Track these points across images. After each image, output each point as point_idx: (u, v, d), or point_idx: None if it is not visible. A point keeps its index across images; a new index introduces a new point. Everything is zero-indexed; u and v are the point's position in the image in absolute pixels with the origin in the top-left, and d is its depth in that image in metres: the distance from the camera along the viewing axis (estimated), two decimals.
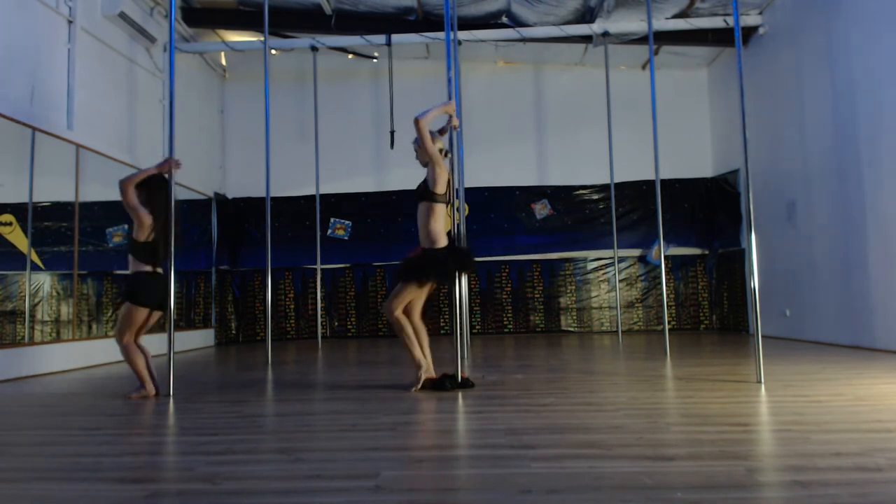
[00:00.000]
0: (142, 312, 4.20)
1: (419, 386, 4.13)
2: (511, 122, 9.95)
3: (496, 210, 9.79)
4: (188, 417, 3.48)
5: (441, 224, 4.18)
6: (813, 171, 7.18)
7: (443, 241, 4.17)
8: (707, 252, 9.65)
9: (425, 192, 4.18)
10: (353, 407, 3.62)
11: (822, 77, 6.97)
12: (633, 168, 9.35)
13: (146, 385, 4.18)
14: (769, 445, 2.58)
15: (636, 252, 9.65)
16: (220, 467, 2.35)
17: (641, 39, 8.57)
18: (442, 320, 9.55)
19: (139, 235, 4.19)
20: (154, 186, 4.28)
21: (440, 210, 4.17)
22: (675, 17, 8.27)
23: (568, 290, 9.70)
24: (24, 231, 5.85)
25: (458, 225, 4.74)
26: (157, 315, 4.31)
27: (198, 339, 8.81)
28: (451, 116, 4.37)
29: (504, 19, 8.70)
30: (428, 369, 4.22)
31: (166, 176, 4.35)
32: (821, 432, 2.67)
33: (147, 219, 4.17)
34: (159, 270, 4.26)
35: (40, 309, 6.09)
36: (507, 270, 9.70)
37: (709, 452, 2.39)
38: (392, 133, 8.74)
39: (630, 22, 8.27)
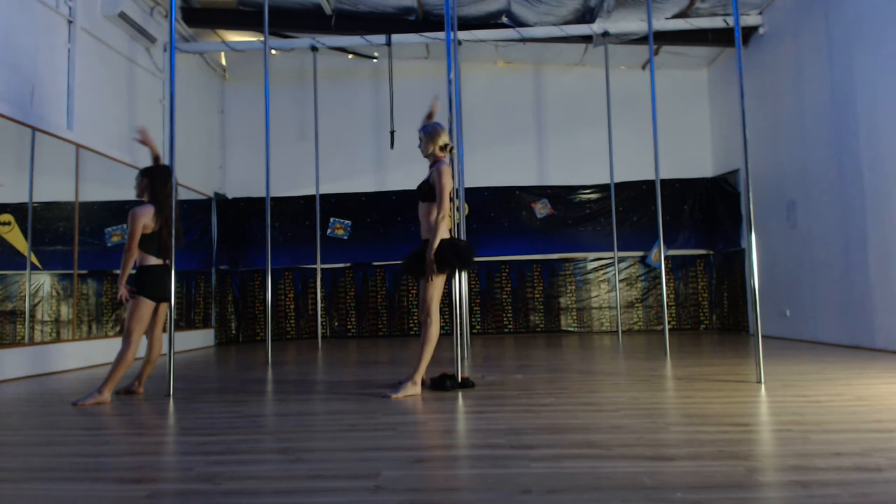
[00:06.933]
0: (149, 305, 4.20)
1: (400, 395, 3.91)
2: (511, 122, 9.94)
3: (496, 210, 9.78)
4: (188, 417, 3.47)
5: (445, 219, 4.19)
6: (813, 171, 7.18)
7: (445, 235, 4.17)
8: (707, 252, 9.65)
9: (429, 194, 4.16)
10: (353, 407, 3.61)
11: (822, 77, 6.97)
12: (633, 168, 9.35)
13: (105, 391, 4.00)
14: (769, 445, 2.57)
15: (636, 252, 9.65)
16: (220, 467, 2.35)
17: (641, 39, 8.56)
18: (442, 320, 9.53)
19: (144, 229, 4.22)
20: (157, 179, 4.32)
21: None
22: (675, 17, 8.27)
23: (568, 290, 9.70)
24: (24, 230, 5.85)
25: (458, 225, 4.75)
26: (164, 308, 4.33)
27: (198, 339, 8.81)
28: (433, 103, 4.60)
29: (504, 19, 8.70)
30: (417, 387, 4.08)
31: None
32: (821, 432, 2.67)
33: (148, 217, 4.22)
34: (167, 262, 4.28)
35: (40, 309, 6.09)
36: (507, 270, 9.70)
37: (709, 452, 2.39)
38: (392, 133, 8.74)
39: (630, 22, 8.27)
